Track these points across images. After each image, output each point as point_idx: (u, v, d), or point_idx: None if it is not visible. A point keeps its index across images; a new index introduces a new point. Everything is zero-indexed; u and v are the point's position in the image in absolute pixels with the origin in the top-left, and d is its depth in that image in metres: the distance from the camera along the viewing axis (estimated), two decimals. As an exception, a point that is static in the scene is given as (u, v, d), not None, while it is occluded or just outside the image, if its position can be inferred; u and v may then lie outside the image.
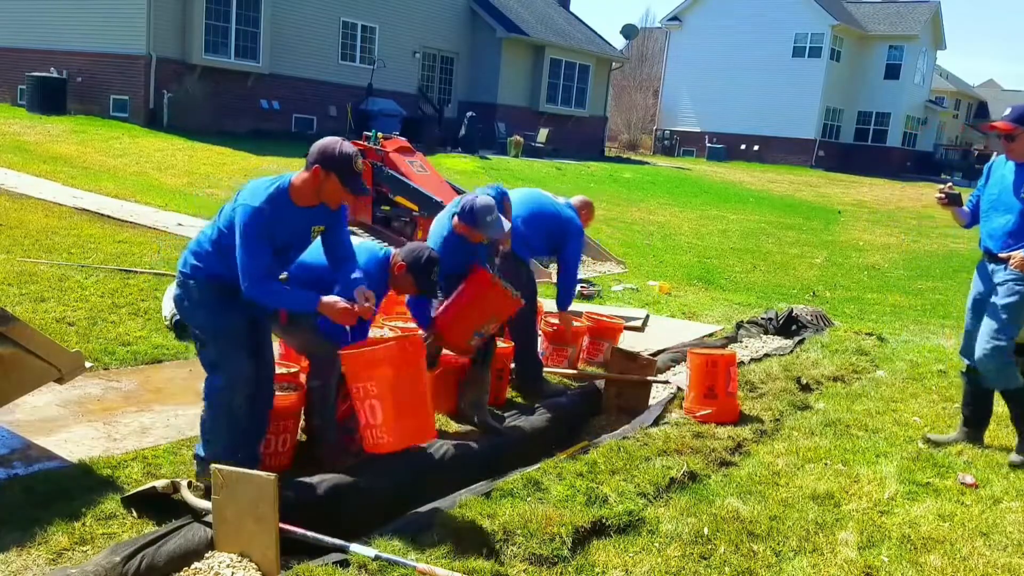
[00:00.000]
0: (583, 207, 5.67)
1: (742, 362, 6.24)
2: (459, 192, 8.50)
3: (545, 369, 5.61)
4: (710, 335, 7.53)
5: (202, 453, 3.65)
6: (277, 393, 3.94)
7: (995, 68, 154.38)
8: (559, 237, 5.44)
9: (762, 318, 7.99)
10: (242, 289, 3.40)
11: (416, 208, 8.11)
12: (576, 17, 32.31)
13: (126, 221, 9.29)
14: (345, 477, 3.72)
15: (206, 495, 3.28)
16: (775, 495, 4.10)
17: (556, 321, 5.82)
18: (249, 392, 3.60)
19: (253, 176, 15.27)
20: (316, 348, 3.95)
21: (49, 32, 19.49)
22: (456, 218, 4.61)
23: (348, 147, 3.47)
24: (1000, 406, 5.85)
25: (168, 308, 5.90)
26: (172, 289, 6.17)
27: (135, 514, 3.39)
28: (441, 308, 4.48)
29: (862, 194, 26.52)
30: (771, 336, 7.61)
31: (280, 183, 3.46)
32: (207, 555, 3.10)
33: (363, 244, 4.06)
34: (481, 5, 26.37)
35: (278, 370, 4.29)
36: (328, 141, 3.49)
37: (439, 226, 4.77)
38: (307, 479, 3.65)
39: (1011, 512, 4.12)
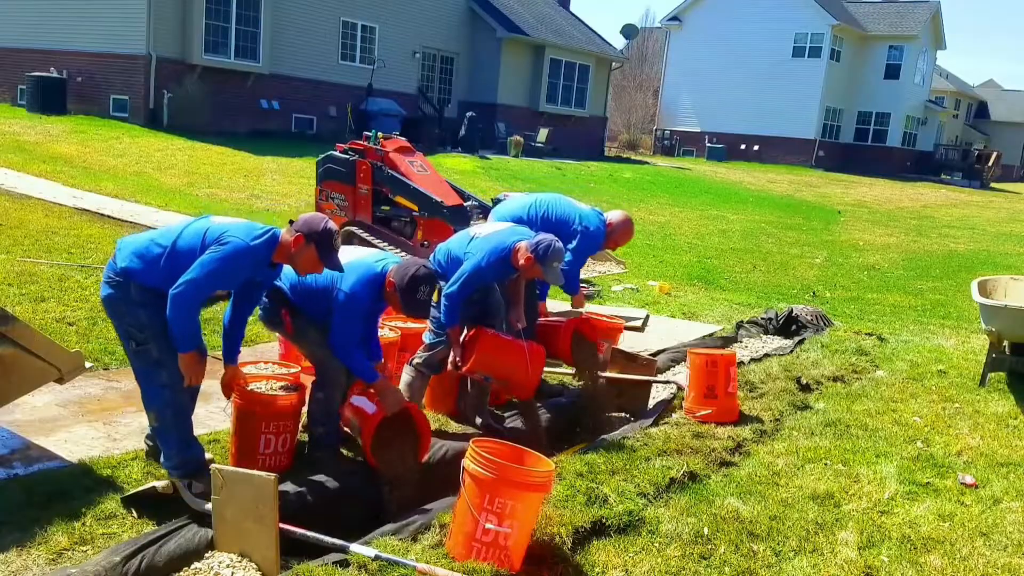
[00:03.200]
0: (615, 223, 5.51)
1: (742, 362, 6.24)
2: (460, 192, 8.48)
3: (545, 369, 5.60)
4: (710, 335, 7.53)
5: (168, 463, 3.59)
6: (277, 393, 3.95)
7: (995, 68, 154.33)
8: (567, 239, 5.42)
9: (762, 318, 7.99)
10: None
11: (416, 208, 8.09)
12: (576, 17, 32.30)
13: (126, 221, 9.29)
14: (346, 478, 3.72)
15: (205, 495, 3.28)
16: (775, 495, 4.10)
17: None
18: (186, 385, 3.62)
19: (253, 176, 15.10)
20: (323, 360, 3.98)
21: (49, 32, 19.48)
22: (526, 247, 4.54)
23: (331, 224, 3.67)
24: (1000, 406, 5.85)
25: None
26: None
27: (135, 514, 3.39)
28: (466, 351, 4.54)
29: (862, 194, 26.52)
30: (771, 336, 7.61)
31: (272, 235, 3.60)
32: (207, 555, 3.10)
33: (360, 261, 4.00)
34: (481, 5, 26.36)
35: (278, 370, 4.30)
36: (314, 217, 3.69)
37: (496, 241, 4.61)
38: (307, 479, 3.65)
39: (1011, 512, 4.12)
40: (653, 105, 42.12)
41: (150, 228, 9.07)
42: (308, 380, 4.12)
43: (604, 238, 5.47)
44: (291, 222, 3.78)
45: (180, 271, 3.41)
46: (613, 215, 5.56)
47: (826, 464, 4.56)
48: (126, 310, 3.53)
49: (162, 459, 3.63)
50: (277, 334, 5.23)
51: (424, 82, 25.33)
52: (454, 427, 4.74)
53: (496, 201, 9.91)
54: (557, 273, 4.66)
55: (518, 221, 5.40)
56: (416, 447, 4.00)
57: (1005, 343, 6.39)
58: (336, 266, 3.65)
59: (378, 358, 4.21)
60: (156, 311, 3.47)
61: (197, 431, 4.30)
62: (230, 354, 3.82)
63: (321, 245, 3.57)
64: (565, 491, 3.80)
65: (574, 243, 5.36)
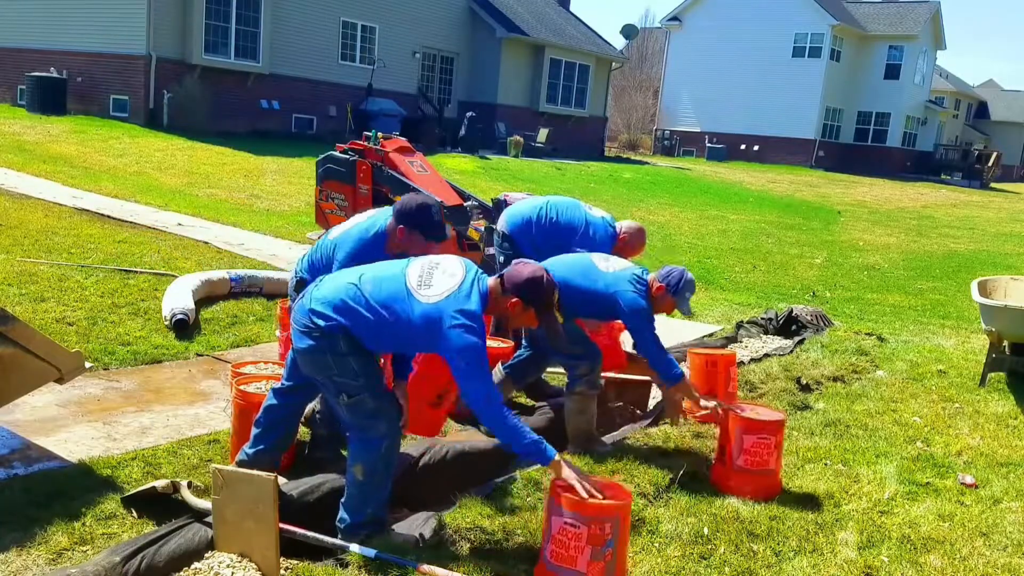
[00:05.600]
0: (628, 234, 5.41)
1: (742, 362, 6.23)
2: (460, 192, 8.47)
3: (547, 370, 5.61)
4: (710, 335, 7.53)
5: (355, 520, 3.31)
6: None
7: (995, 68, 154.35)
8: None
9: (762, 318, 7.99)
10: (480, 413, 3.18)
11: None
12: (576, 17, 32.31)
13: (126, 221, 9.29)
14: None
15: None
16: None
17: None
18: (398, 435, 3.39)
19: (253, 176, 15.03)
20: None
21: (49, 32, 19.49)
22: (657, 280, 4.40)
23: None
24: (1000, 406, 5.85)
25: (168, 308, 5.90)
26: (173, 290, 6.20)
27: (135, 514, 3.39)
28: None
29: (862, 194, 26.52)
30: (771, 336, 7.60)
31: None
32: (207, 555, 3.10)
33: (350, 231, 3.87)
34: (481, 5, 26.37)
35: (278, 370, 4.29)
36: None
37: (620, 276, 4.37)
38: (308, 479, 3.65)
39: (1011, 512, 4.12)
40: (653, 105, 42.12)
41: (150, 228, 9.08)
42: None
43: (610, 248, 5.42)
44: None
45: (382, 322, 3.15)
46: (626, 225, 5.49)
47: (826, 464, 4.56)
48: (339, 361, 3.19)
49: (343, 517, 3.32)
50: (278, 333, 5.25)
51: (424, 82, 25.34)
52: (455, 427, 4.74)
53: (496, 202, 9.90)
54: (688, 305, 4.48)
55: (527, 224, 5.41)
56: None
57: (1005, 343, 6.39)
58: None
59: (403, 375, 3.82)
60: (364, 359, 3.23)
61: (197, 431, 4.32)
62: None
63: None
64: (565, 491, 3.79)
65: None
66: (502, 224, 5.55)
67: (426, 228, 3.76)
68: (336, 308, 3.17)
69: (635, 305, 4.27)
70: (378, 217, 3.94)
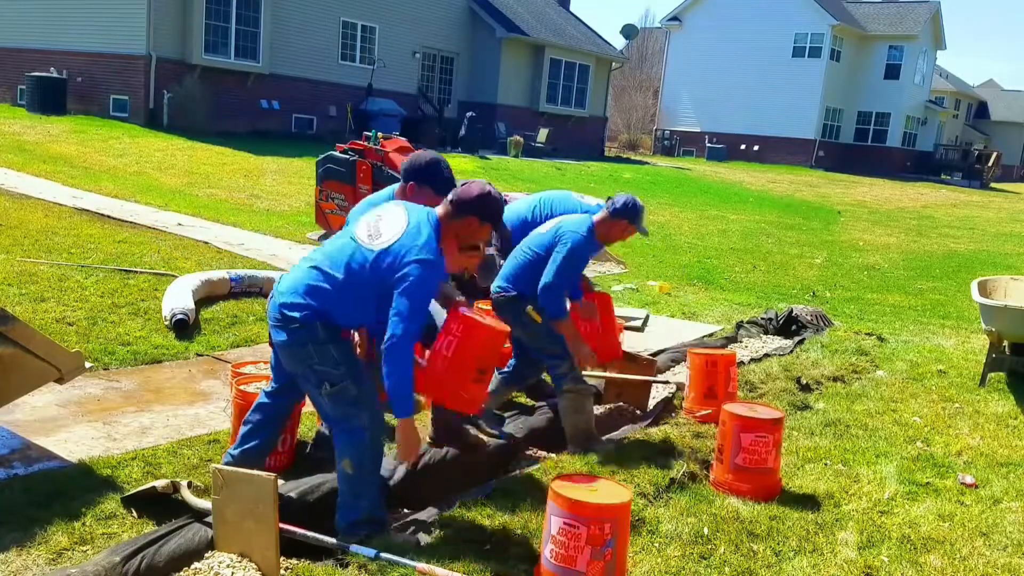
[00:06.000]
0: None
1: (742, 362, 6.24)
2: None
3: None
4: (710, 335, 7.53)
5: (352, 517, 3.31)
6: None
7: (995, 68, 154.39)
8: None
9: (762, 318, 7.99)
10: (391, 348, 3.10)
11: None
12: (576, 17, 32.32)
13: (126, 221, 9.29)
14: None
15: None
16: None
17: None
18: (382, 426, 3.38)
19: (253, 176, 15.09)
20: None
21: (49, 32, 19.50)
22: (607, 213, 4.46)
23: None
24: (1000, 406, 5.85)
25: (168, 308, 5.90)
26: (173, 290, 6.20)
27: (135, 514, 3.39)
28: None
29: (862, 194, 26.52)
30: (771, 336, 7.61)
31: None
32: (207, 555, 3.10)
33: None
34: (481, 5, 26.37)
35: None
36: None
37: (578, 223, 4.49)
38: (308, 479, 3.65)
39: (1011, 512, 4.12)
40: (653, 105, 42.13)
41: (150, 228, 9.09)
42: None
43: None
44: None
45: (356, 299, 3.22)
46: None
47: (826, 464, 4.56)
48: (318, 350, 3.21)
49: (342, 515, 3.33)
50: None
51: (424, 82, 25.34)
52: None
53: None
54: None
55: (523, 223, 5.39)
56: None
57: (1005, 343, 6.39)
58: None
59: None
60: (343, 346, 3.27)
61: (197, 431, 4.31)
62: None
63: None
64: (565, 491, 3.79)
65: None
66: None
67: (436, 182, 3.79)
68: (304, 294, 3.23)
69: (571, 235, 4.39)
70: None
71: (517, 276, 4.49)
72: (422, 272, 3.12)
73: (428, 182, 3.79)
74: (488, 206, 3.32)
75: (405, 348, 3.12)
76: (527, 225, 5.38)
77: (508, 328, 3.76)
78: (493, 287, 4.57)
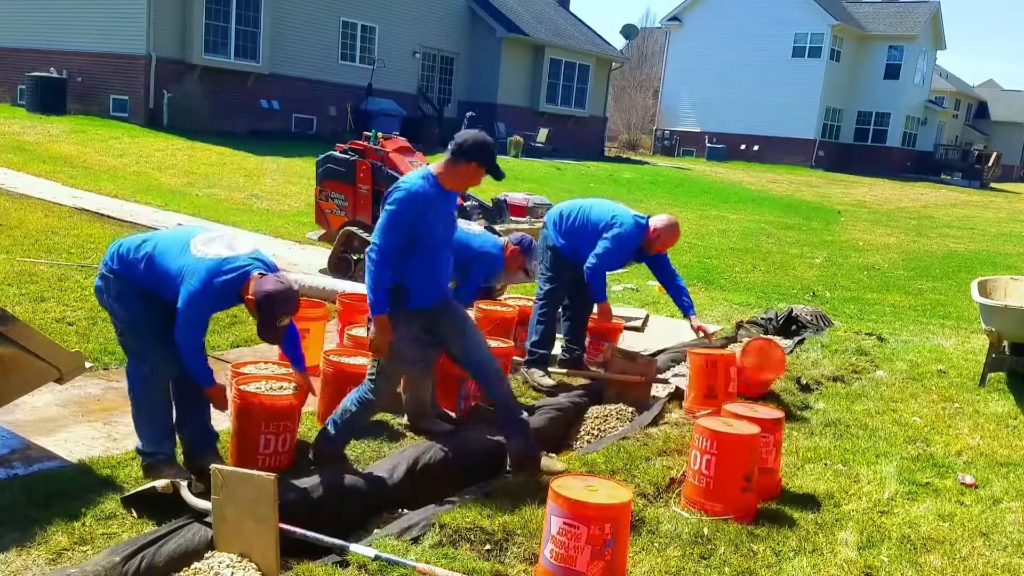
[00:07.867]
0: (660, 227, 5.48)
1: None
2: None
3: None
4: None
5: (139, 447, 3.75)
6: (277, 393, 3.94)
7: (995, 68, 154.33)
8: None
9: (762, 318, 7.99)
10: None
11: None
12: (576, 17, 32.32)
13: (126, 221, 9.29)
14: (348, 477, 3.71)
15: (205, 495, 3.28)
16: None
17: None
18: (167, 378, 3.71)
19: (253, 176, 15.03)
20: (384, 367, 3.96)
21: (49, 32, 19.49)
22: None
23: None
24: (1000, 406, 5.85)
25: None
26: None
27: (135, 514, 3.39)
28: None
29: (862, 194, 26.53)
30: (771, 336, 7.60)
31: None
32: (207, 555, 3.10)
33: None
34: (481, 5, 26.37)
35: (277, 370, 4.29)
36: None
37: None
38: (308, 479, 3.65)
39: (1011, 512, 4.12)
40: (653, 105, 42.12)
41: (150, 228, 9.08)
42: (314, 381, 4.10)
43: (641, 240, 5.44)
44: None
45: (157, 271, 3.56)
46: (658, 219, 5.51)
47: (826, 464, 4.56)
48: (108, 303, 3.73)
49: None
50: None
51: (424, 82, 25.34)
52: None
53: (496, 202, 9.90)
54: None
55: (558, 215, 5.65)
56: None
57: (1005, 343, 6.39)
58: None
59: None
60: (131, 306, 3.65)
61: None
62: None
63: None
64: (565, 491, 3.79)
65: (602, 244, 5.38)
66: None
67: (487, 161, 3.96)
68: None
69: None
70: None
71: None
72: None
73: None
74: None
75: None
76: (562, 219, 5.60)
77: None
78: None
